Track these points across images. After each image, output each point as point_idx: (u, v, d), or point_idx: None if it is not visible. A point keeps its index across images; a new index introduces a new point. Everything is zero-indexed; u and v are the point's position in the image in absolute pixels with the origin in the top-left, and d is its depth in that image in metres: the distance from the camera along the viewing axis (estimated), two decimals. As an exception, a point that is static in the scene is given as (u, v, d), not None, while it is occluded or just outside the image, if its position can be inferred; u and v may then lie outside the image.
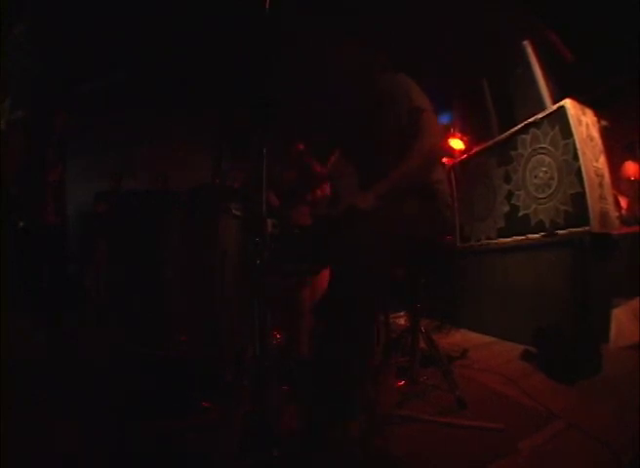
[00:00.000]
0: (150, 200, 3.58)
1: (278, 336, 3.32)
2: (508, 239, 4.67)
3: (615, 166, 4.52)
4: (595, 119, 4.18)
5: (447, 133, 6.29)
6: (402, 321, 4.53)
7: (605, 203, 3.85)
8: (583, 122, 4.02)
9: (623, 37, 4.43)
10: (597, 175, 3.88)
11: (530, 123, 4.42)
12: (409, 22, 5.06)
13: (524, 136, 4.53)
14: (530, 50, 4.85)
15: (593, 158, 3.93)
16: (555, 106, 4.17)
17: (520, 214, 4.55)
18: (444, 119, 6.62)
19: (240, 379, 2.40)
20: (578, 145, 3.85)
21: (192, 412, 2.31)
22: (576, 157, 3.85)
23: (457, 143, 6.24)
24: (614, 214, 3.94)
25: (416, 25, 5.13)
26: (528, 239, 4.33)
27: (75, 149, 5.48)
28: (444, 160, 6.18)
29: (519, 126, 4.60)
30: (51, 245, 4.41)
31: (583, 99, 4.19)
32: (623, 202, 4.61)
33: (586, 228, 3.69)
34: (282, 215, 4.12)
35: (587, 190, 3.73)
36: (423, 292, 2.68)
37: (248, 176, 4.45)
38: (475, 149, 5.67)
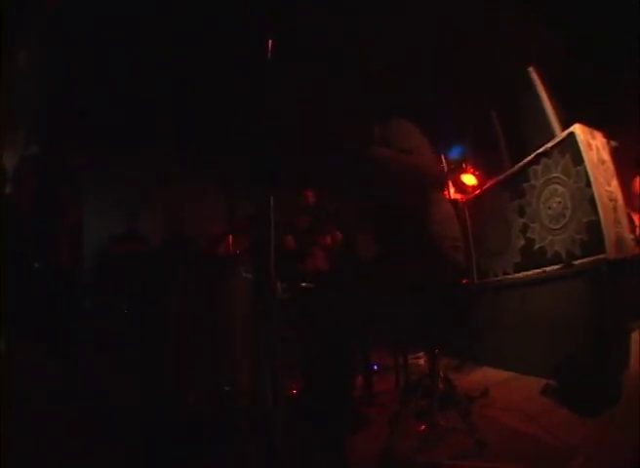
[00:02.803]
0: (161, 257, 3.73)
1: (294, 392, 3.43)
2: (525, 273, 4.75)
3: (626, 181, 4.57)
4: (605, 141, 4.25)
5: (458, 169, 6.43)
6: (422, 361, 4.62)
7: (620, 227, 3.92)
8: (593, 146, 4.10)
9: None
10: (610, 200, 3.94)
11: (540, 153, 4.53)
12: (409, 58, 5.22)
13: (535, 166, 4.64)
14: (535, 76, 4.93)
15: (605, 182, 4.00)
16: (564, 133, 4.27)
17: (536, 246, 4.64)
18: (456, 153, 6.79)
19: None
20: (589, 171, 3.93)
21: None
22: (588, 183, 3.92)
23: (469, 179, 6.41)
24: (629, 236, 4.01)
25: (416, 62, 5.28)
26: (545, 272, 4.40)
27: (90, 186, 5.59)
28: (458, 197, 6.31)
29: (530, 157, 4.71)
30: (65, 287, 4.47)
31: (591, 119, 4.28)
32: (637, 219, 4.66)
33: (603, 256, 3.74)
34: (299, 259, 4.27)
35: (602, 217, 3.80)
36: (442, 337, 2.80)
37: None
38: (487, 184, 5.82)
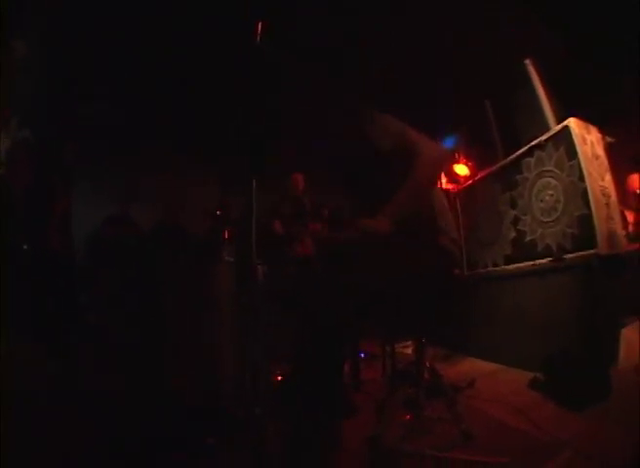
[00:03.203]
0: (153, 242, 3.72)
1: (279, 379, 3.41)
2: (515, 265, 4.75)
3: (620, 179, 4.57)
4: (600, 136, 4.25)
5: (451, 157, 6.39)
6: (409, 350, 4.60)
7: (612, 223, 3.92)
8: (588, 140, 4.10)
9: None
10: (603, 195, 3.95)
11: (534, 145, 4.51)
12: (407, 47, 5.20)
13: (529, 159, 4.63)
14: (531, 68, 4.92)
15: (599, 177, 4.00)
16: (559, 126, 4.25)
17: (527, 239, 4.64)
18: (448, 144, 6.75)
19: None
20: (583, 165, 3.92)
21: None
22: (581, 178, 3.92)
23: (461, 169, 6.43)
24: (621, 233, 4.02)
25: (415, 50, 5.27)
26: (535, 265, 4.40)
27: (82, 173, 5.57)
28: (449, 187, 6.30)
29: (523, 149, 4.70)
30: (53, 272, 4.45)
31: (587, 114, 4.26)
32: (630, 216, 4.66)
33: (594, 251, 3.74)
34: (286, 244, 4.25)
35: (594, 211, 3.80)
36: (430, 326, 2.79)
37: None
38: (480, 175, 5.80)
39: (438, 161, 2.32)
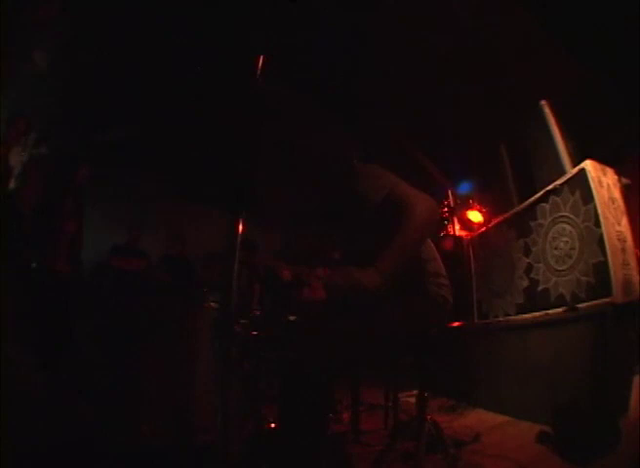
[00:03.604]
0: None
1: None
2: (527, 315, 4.62)
3: (637, 221, 4.48)
4: (616, 178, 4.15)
5: (465, 204, 6.39)
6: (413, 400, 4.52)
7: (628, 269, 3.78)
8: (604, 183, 4.00)
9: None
10: (619, 240, 3.82)
11: (549, 190, 4.43)
12: (421, 87, 5.21)
13: (544, 204, 4.54)
14: (547, 110, 4.85)
15: (615, 221, 3.89)
16: (575, 170, 4.17)
17: (540, 288, 4.51)
18: (463, 189, 6.74)
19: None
20: (599, 210, 3.81)
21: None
22: (597, 223, 3.80)
23: (475, 216, 6.36)
24: (637, 279, 3.86)
25: (429, 91, 5.28)
26: (548, 315, 4.26)
27: (94, 197, 5.64)
28: (463, 234, 6.27)
29: (538, 194, 4.61)
30: (58, 293, 4.45)
31: (602, 156, 4.19)
32: (645, 259, 4.56)
33: (609, 299, 3.60)
34: (292, 291, 4.23)
35: (610, 258, 3.67)
36: (431, 379, 2.73)
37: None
38: (494, 221, 5.74)
39: (429, 215, 2.26)
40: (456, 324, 2.59)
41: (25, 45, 4.64)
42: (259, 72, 2.12)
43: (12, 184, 4.17)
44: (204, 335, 3.20)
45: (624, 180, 4.25)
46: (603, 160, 4.15)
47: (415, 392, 4.45)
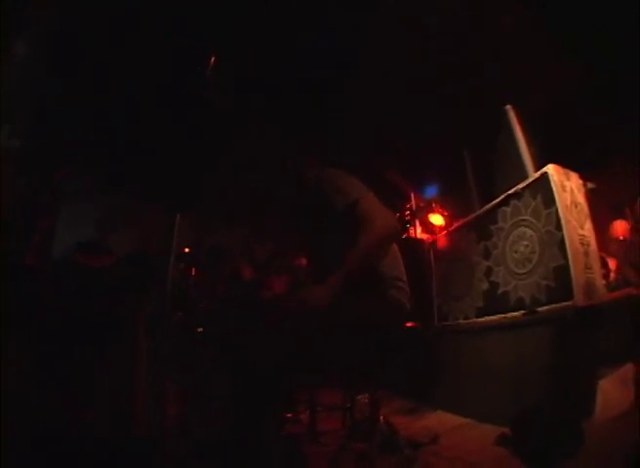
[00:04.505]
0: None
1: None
2: (487, 318, 4.63)
3: (603, 227, 4.51)
4: (581, 183, 4.18)
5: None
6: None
7: (590, 272, 3.80)
8: (568, 187, 4.03)
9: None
10: (582, 244, 3.85)
11: (511, 194, 4.46)
12: (388, 96, 5.24)
13: (505, 208, 4.56)
14: (512, 115, 4.90)
15: (578, 225, 3.92)
16: (538, 174, 4.20)
17: (499, 291, 4.53)
18: (426, 193, 6.79)
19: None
20: (561, 214, 3.83)
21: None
22: (559, 227, 3.82)
23: (437, 219, 6.45)
24: (600, 282, 3.91)
25: (395, 99, 5.30)
26: (507, 318, 4.28)
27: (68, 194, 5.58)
28: (424, 237, 6.30)
29: (500, 198, 4.64)
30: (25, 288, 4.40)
31: (568, 163, 4.20)
32: (612, 263, 4.60)
33: (570, 303, 3.62)
34: (253, 289, 4.20)
35: (571, 261, 3.68)
36: (385, 379, 2.72)
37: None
38: (455, 225, 5.77)
39: (387, 233, 2.31)
40: (410, 324, 2.54)
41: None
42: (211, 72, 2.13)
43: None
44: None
45: (589, 185, 4.28)
46: (570, 167, 4.19)
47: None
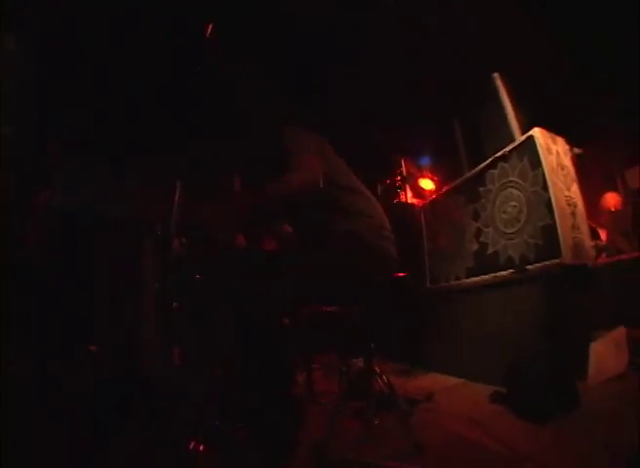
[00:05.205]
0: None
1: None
2: (477, 278, 4.68)
3: (596, 198, 4.54)
4: (567, 147, 4.24)
5: (417, 174, 6.45)
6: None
7: (578, 232, 3.87)
8: (554, 150, 4.09)
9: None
10: (569, 205, 3.91)
11: (498, 157, 4.50)
12: (376, 65, 5.23)
13: (492, 170, 4.61)
14: (499, 82, 4.91)
15: (565, 187, 3.97)
16: (524, 137, 4.24)
17: (489, 251, 4.59)
18: (423, 162, 6.83)
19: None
20: (547, 175, 3.89)
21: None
22: (545, 187, 3.88)
23: (427, 184, 6.51)
24: (589, 243, 3.97)
25: (383, 68, 5.30)
26: (497, 277, 4.33)
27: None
28: (415, 201, 6.32)
29: (487, 161, 4.68)
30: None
31: (559, 131, 4.25)
32: (603, 234, 4.63)
33: (557, 260, 3.68)
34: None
35: (558, 221, 3.75)
36: (379, 332, 2.72)
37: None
38: (445, 188, 5.78)
39: (304, 185, 2.30)
40: (400, 274, 2.56)
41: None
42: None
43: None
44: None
45: (576, 150, 4.31)
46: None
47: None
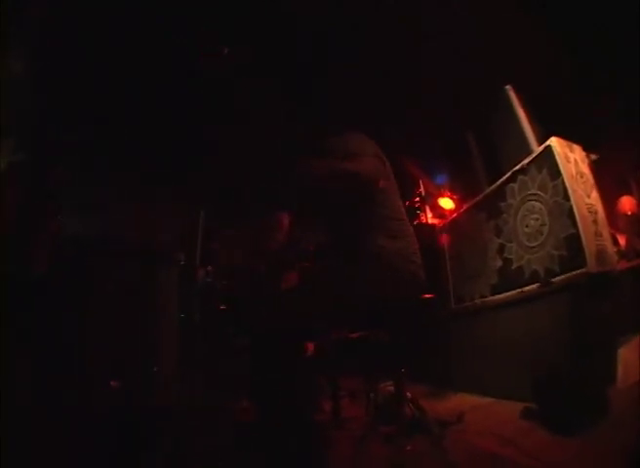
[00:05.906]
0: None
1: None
2: (502, 295, 4.64)
3: (610, 202, 4.49)
4: (584, 154, 4.20)
5: (436, 194, 6.47)
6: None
7: (601, 240, 3.81)
8: (572, 159, 4.05)
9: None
10: (590, 212, 3.86)
11: (517, 170, 4.49)
12: (387, 79, 5.23)
13: (512, 184, 4.60)
14: (512, 94, 4.90)
15: (585, 195, 3.93)
16: (541, 147, 4.22)
17: (513, 266, 4.56)
18: (440, 180, 6.82)
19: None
20: (567, 184, 3.86)
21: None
22: (566, 197, 3.85)
23: (446, 203, 6.45)
24: (611, 249, 3.92)
25: (395, 82, 5.30)
26: (523, 292, 4.28)
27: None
28: (435, 222, 6.31)
29: (506, 175, 4.68)
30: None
31: (571, 136, 4.20)
32: (622, 239, 4.57)
33: (583, 270, 3.63)
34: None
35: (581, 229, 3.71)
36: (409, 356, 2.71)
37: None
38: (465, 206, 5.78)
39: (364, 174, 2.37)
40: (428, 295, 2.55)
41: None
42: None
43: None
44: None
45: (593, 156, 4.28)
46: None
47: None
